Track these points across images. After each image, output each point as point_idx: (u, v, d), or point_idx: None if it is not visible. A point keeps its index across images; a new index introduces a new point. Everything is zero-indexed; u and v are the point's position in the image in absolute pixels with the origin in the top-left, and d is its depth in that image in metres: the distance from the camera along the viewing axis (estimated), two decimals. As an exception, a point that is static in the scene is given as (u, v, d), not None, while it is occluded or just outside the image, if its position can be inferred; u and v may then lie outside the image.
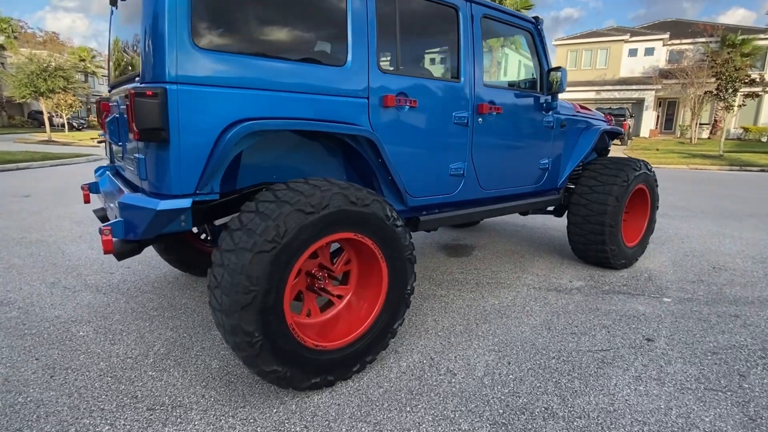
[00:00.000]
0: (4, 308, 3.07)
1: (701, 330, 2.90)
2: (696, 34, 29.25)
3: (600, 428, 1.93)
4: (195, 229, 3.24)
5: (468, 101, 2.85)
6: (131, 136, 1.83)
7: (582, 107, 4.13)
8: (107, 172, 2.87)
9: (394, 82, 2.46)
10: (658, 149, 21.30)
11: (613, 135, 4.51)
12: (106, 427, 1.89)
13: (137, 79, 1.94)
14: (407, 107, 2.52)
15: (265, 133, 2.11)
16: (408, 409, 2.05)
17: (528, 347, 2.63)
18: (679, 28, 32.36)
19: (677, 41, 31.04)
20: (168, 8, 1.77)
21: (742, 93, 23.24)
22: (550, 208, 4.18)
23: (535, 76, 3.45)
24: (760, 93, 26.08)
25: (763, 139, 27.30)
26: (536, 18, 3.36)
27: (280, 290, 1.91)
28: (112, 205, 2.27)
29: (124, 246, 2.10)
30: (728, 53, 23.16)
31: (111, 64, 2.83)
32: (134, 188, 2.25)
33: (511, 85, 3.60)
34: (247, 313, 1.84)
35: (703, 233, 5.55)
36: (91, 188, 2.92)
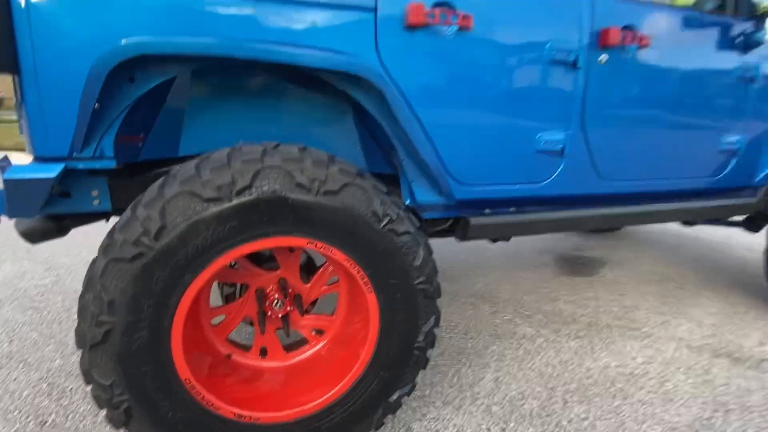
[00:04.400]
0: (48, 273, 2.96)
1: None
2: None
3: None
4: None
5: (580, 24, 1.64)
6: None
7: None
8: None
9: (428, -14, 1.43)
10: None
11: None
12: None
13: None
14: (454, 28, 1.47)
15: (186, 64, 1.33)
16: None
17: (650, 476, 1.42)
18: None
19: None
20: None
21: None
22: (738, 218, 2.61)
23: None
24: None
25: None
26: None
27: (159, 326, 1.13)
28: None
29: (36, 225, 1.55)
30: None
31: None
32: None
33: (674, 3, 2.17)
34: (97, 356, 1.12)
35: None
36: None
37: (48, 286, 2.77)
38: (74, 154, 1.26)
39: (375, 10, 1.38)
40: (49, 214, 1.48)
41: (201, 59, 1.30)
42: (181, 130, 1.56)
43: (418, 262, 1.33)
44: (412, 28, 1.43)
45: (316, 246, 1.23)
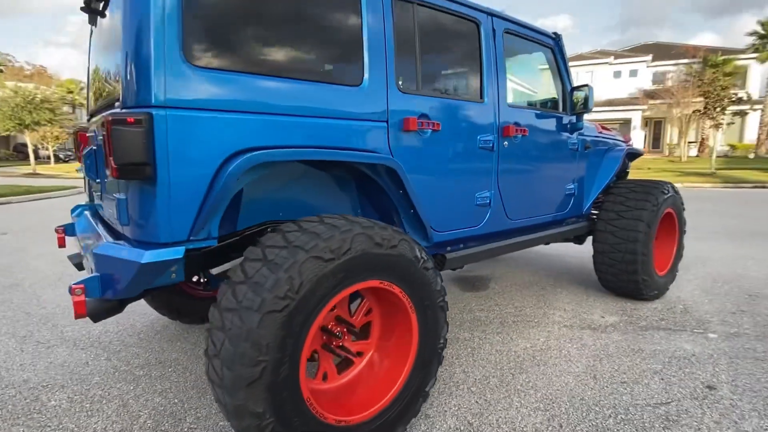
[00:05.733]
0: (-37, 372, 2.64)
1: (764, 373, 2.56)
2: (678, 55, 29.98)
3: None
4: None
5: (493, 123, 2.56)
6: (109, 172, 1.49)
7: (603, 128, 3.88)
8: (85, 212, 2.51)
9: (416, 104, 2.16)
10: (650, 168, 21.34)
11: (634, 156, 4.26)
12: None
13: (117, 104, 1.61)
14: (430, 131, 2.22)
15: (272, 165, 1.79)
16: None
17: (577, 403, 2.27)
18: (661, 51, 33.27)
19: (660, 63, 31.87)
20: (155, 18, 1.46)
21: (730, 111, 23.70)
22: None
23: (557, 95, 3.19)
24: (747, 111, 26.65)
25: (750, 156, 27.63)
26: (556, 34, 3.13)
27: (295, 358, 1.54)
28: (88, 254, 1.90)
29: (102, 305, 1.72)
30: (713, 72, 23.72)
31: (90, 90, 2.51)
32: (115, 233, 1.90)
33: (533, 105, 3.34)
34: (254, 390, 1.47)
35: (725, 255, 5.27)
36: (67, 230, 2.55)
37: (-16, 382, 2.52)
38: (191, 238, 1.58)
39: (387, 122, 2.04)
40: None
41: (292, 161, 1.77)
42: (239, 210, 1.93)
43: (438, 287, 1.97)
44: (407, 131, 2.12)
45: (383, 284, 1.77)
